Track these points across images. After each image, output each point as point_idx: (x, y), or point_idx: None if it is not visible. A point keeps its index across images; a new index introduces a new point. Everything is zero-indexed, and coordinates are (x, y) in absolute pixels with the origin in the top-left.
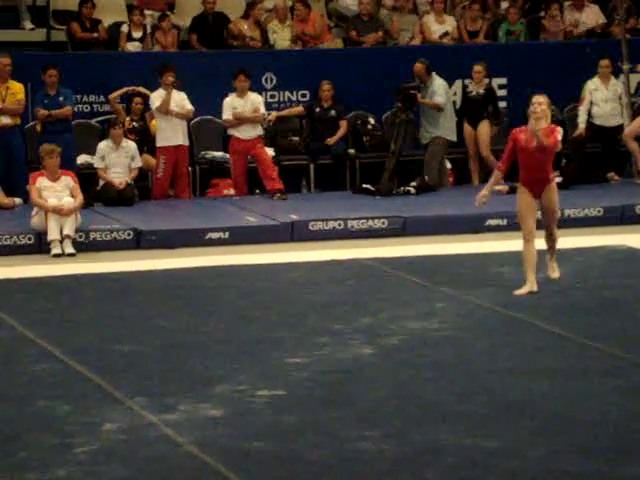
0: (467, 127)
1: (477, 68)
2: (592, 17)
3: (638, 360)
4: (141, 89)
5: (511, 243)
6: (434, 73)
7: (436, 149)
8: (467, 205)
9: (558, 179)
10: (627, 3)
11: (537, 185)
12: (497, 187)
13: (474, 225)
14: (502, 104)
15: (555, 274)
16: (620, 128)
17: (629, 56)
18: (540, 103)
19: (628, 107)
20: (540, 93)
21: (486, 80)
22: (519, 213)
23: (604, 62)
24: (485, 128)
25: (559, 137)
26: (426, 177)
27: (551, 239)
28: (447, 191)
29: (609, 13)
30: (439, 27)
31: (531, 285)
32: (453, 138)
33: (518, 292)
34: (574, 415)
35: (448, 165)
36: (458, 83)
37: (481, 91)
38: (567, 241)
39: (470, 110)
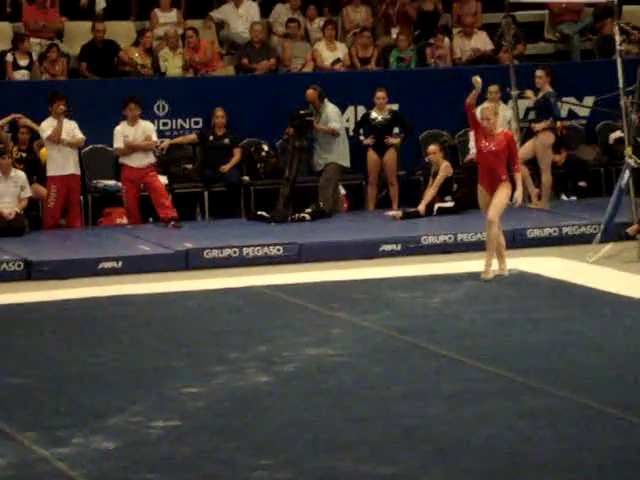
0: (372, 154)
1: (379, 94)
2: (481, 44)
3: (530, 383)
4: (28, 122)
5: (405, 268)
6: (326, 99)
7: (330, 175)
8: (362, 231)
9: (450, 204)
10: (514, 30)
11: (491, 184)
12: (391, 213)
13: (369, 251)
14: (395, 130)
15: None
16: None
17: (517, 82)
18: (488, 119)
19: (517, 132)
20: (487, 106)
21: (388, 105)
22: (482, 210)
23: (493, 88)
24: (393, 156)
25: (507, 141)
26: (321, 203)
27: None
28: (342, 217)
29: (497, 39)
30: (331, 54)
31: (487, 268)
32: (347, 164)
33: (484, 277)
34: (468, 439)
35: (342, 191)
36: (351, 109)
37: (387, 116)
38: (459, 266)
39: (375, 137)
